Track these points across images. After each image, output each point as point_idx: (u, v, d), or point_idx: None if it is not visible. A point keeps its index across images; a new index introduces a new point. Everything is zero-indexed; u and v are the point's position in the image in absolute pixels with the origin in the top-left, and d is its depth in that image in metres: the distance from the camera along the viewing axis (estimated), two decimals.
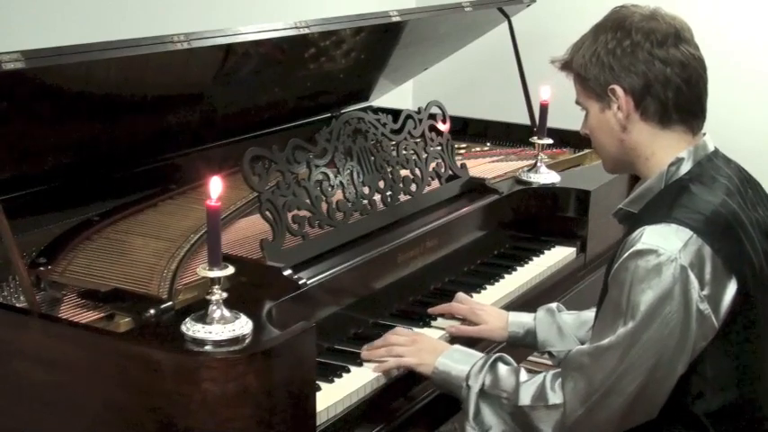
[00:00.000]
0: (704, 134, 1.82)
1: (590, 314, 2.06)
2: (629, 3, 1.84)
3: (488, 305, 2.20)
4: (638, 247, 1.65)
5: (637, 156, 1.81)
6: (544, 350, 2.14)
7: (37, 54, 1.69)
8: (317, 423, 1.69)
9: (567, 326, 2.11)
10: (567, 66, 1.86)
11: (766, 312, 1.73)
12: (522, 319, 2.14)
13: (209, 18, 2.87)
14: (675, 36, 1.75)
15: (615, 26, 1.78)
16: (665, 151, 1.78)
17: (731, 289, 1.67)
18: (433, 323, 2.14)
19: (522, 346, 2.17)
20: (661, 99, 1.75)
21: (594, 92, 1.80)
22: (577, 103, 1.87)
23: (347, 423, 1.78)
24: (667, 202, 1.72)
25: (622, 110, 1.77)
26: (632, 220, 1.78)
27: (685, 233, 1.65)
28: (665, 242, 1.64)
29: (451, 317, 2.17)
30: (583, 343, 2.03)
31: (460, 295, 2.20)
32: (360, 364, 1.90)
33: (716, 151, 1.82)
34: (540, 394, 1.76)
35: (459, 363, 1.86)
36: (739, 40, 3.45)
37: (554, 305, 2.16)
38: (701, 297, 1.64)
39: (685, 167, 1.77)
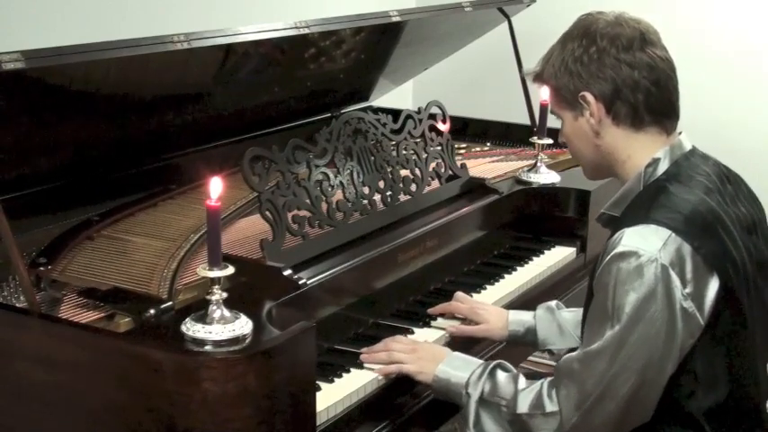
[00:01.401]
0: (680, 133, 1.83)
1: None
2: (594, 10, 1.85)
3: (488, 304, 2.21)
4: (619, 249, 1.66)
5: (614, 160, 1.82)
6: (544, 348, 2.14)
7: (37, 54, 1.69)
8: (317, 423, 1.69)
9: (566, 323, 2.12)
10: (538, 77, 1.89)
11: (752, 308, 1.73)
12: (522, 318, 2.14)
13: (209, 18, 2.87)
14: (641, 39, 1.77)
15: (581, 34, 1.80)
16: (640, 153, 1.79)
17: (713, 286, 1.68)
18: (433, 323, 2.14)
19: (522, 345, 2.17)
20: (631, 102, 1.77)
21: (566, 100, 1.83)
22: (552, 112, 1.90)
23: (347, 423, 1.78)
24: (646, 203, 1.73)
25: (594, 116, 1.79)
26: (615, 224, 1.78)
27: (664, 232, 1.65)
28: (645, 243, 1.64)
29: (452, 316, 2.17)
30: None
31: (460, 294, 2.20)
32: (360, 364, 1.90)
33: (693, 150, 1.83)
34: (538, 402, 1.76)
35: (459, 370, 1.86)
36: (735, 40, 3.45)
37: (553, 303, 2.16)
38: (684, 295, 1.65)
39: (662, 167, 1.78)
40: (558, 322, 2.12)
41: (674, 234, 1.65)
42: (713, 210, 1.71)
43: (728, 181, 1.82)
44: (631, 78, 1.75)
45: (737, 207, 1.78)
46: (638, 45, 1.76)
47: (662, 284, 1.63)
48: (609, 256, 1.67)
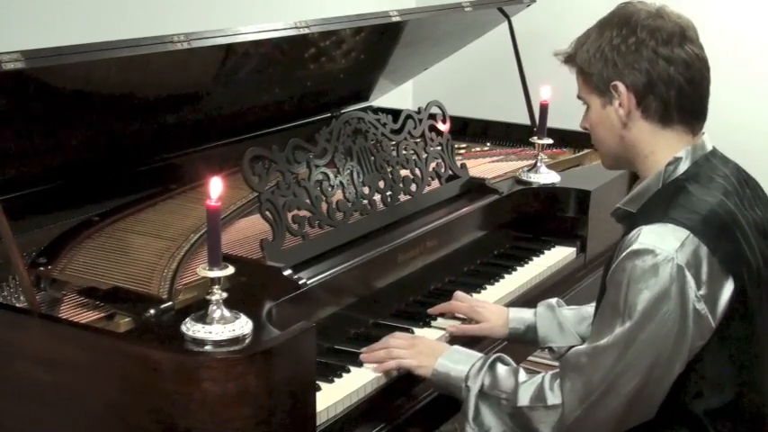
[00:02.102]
0: (703, 134, 1.82)
1: (590, 309, 2.06)
2: (633, 0, 1.84)
3: (488, 302, 2.21)
4: (635, 247, 1.65)
5: (636, 153, 1.81)
6: (545, 346, 2.14)
7: (37, 54, 1.69)
8: (317, 423, 1.69)
9: (567, 321, 2.12)
10: (570, 59, 1.86)
11: (764, 312, 1.73)
12: (523, 315, 2.14)
13: (209, 18, 2.87)
14: (681, 35, 1.75)
15: (621, 22, 1.77)
16: (664, 150, 1.78)
17: (728, 289, 1.67)
18: (433, 323, 2.14)
19: (522, 342, 2.17)
20: (663, 98, 1.75)
21: (597, 87, 1.80)
22: (579, 97, 1.87)
23: (347, 423, 1.78)
24: (664, 201, 1.72)
25: (624, 106, 1.78)
26: (630, 220, 1.78)
27: (682, 233, 1.65)
28: (662, 242, 1.64)
29: (452, 316, 2.17)
30: (583, 338, 2.04)
31: (459, 294, 2.20)
32: (360, 364, 1.90)
33: (714, 151, 1.82)
34: (539, 395, 1.76)
35: (459, 363, 1.86)
36: (736, 39, 3.45)
37: (554, 300, 2.16)
38: (698, 297, 1.64)
39: (683, 167, 1.77)
40: (559, 320, 2.12)
41: (692, 235, 1.65)
42: (732, 212, 1.71)
43: (747, 185, 1.82)
44: (667, 73, 1.74)
45: (755, 211, 1.78)
46: (677, 41, 1.74)
47: (676, 285, 1.62)
48: (624, 253, 1.67)
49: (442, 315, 2.17)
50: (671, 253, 1.63)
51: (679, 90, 1.75)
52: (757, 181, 1.87)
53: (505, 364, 1.85)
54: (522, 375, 1.81)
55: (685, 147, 1.78)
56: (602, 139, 1.85)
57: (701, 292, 1.65)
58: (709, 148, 1.81)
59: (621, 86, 1.76)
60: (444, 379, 1.86)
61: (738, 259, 1.68)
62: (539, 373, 1.81)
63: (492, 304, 2.20)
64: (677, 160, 1.77)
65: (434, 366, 1.87)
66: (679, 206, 1.70)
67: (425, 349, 1.92)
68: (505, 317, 2.14)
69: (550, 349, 2.14)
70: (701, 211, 1.68)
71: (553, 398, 1.74)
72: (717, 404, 1.71)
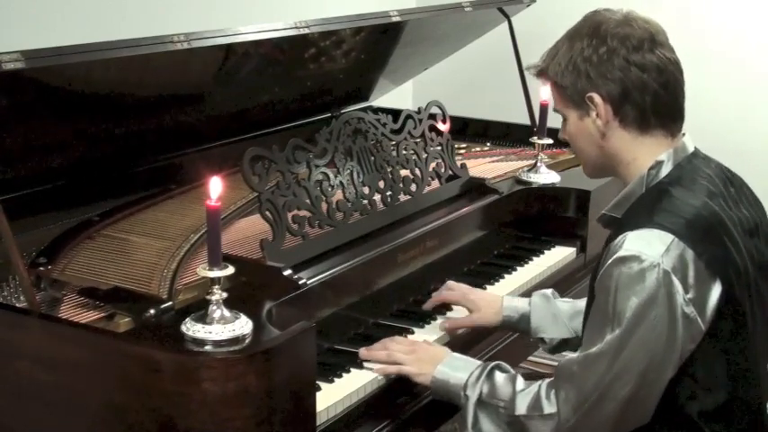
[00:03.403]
0: (683, 135, 1.82)
1: (584, 303, 2.05)
2: (602, 7, 1.82)
3: (480, 290, 2.20)
4: (621, 253, 1.65)
5: (618, 162, 1.81)
6: (536, 336, 2.13)
7: (37, 54, 1.69)
8: (317, 423, 1.69)
9: (561, 313, 2.11)
10: (542, 73, 1.86)
11: (753, 311, 1.73)
12: (516, 304, 2.14)
13: (209, 18, 2.87)
14: (650, 41, 1.75)
15: (591, 33, 1.77)
16: (645, 156, 1.78)
17: (716, 291, 1.67)
18: (433, 323, 2.14)
19: (514, 331, 2.17)
20: (639, 105, 1.75)
21: (572, 99, 1.80)
22: (555, 110, 1.88)
23: (347, 423, 1.78)
24: (648, 206, 1.72)
25: (601, 117, 1.77)
26: (616, 225, 1.78)
27: (667, 237, 1.64)
28: (648, 247, 1.64)
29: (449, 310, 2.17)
30: (576, 333, 2.04)
31: (451, 283, 2.20)
32: (360, 365, 1.90)
33: (696, 152, 1.82)
34: (536, 404, 1.76)
35: (458, 371, 1.86)
36: (734, 39, 3.45)
37: (549, 291, 2.16)
38: (686, 301, 1.64)
39: (665, 170, 1.77)
40: (553, 311, 2.11)
41: (676, 239, 1.64)
42: (716, 214, 1.70)
43: (731, 183, 1.81)
44: (640, 80, 1.73)
45: (740, 210, 1.78)
46: (647, 46, 1.74)
47: (664, 289, 1.62)
48: (611, 260, 1.67)
49: (442, 314, 2.17)
50: (656, 258, 1.62)
51: (654, 96, 1.74)
52: (742, 178, 1.87)
53: (504, 371, 1.85)
54: (520, 383, 1.80)
55: (666, 150, 1.78)
56: (581, 149, 1.86)
57: (689, 295, 1.64)
58: (691, 149, 1.81)
59: (597, 97, 1.76)
60: (443, 386, 1.86)
61: (725, 261, 1.68)
62: (538, 373, 1.81)
63: (485, 292, 2.20)
64: (659, 164, 1.77)
65: (433, 374, 1.87)
66: (663, 210, 1.69)
67: (425, 356, 1.91)
68: (498, 305, 2.13)
69: (542, 340, 2.13)
70: (685, 215, 1.68)
71: (549, 407, 1.74)
72: (711, 405, 1.71)
